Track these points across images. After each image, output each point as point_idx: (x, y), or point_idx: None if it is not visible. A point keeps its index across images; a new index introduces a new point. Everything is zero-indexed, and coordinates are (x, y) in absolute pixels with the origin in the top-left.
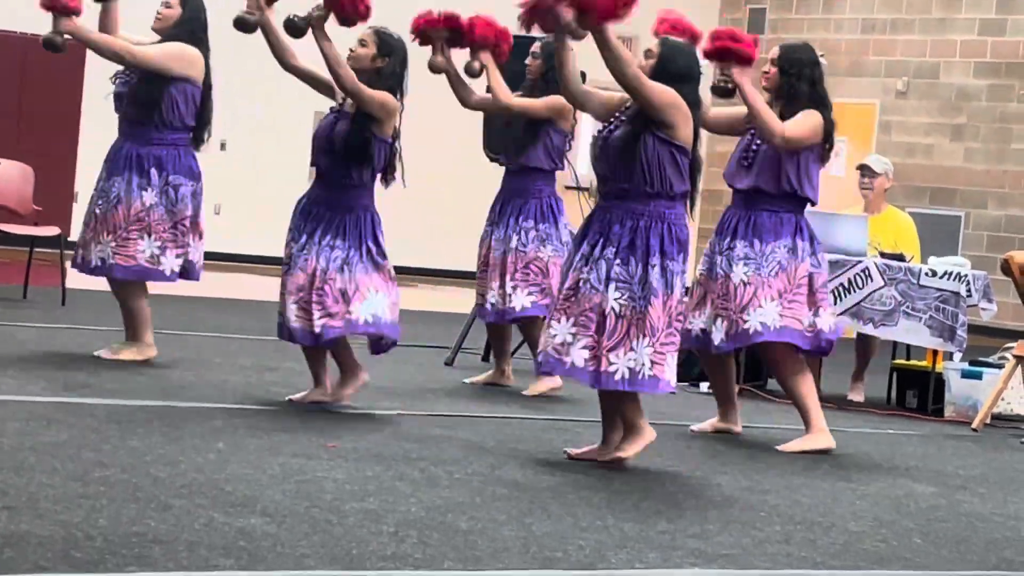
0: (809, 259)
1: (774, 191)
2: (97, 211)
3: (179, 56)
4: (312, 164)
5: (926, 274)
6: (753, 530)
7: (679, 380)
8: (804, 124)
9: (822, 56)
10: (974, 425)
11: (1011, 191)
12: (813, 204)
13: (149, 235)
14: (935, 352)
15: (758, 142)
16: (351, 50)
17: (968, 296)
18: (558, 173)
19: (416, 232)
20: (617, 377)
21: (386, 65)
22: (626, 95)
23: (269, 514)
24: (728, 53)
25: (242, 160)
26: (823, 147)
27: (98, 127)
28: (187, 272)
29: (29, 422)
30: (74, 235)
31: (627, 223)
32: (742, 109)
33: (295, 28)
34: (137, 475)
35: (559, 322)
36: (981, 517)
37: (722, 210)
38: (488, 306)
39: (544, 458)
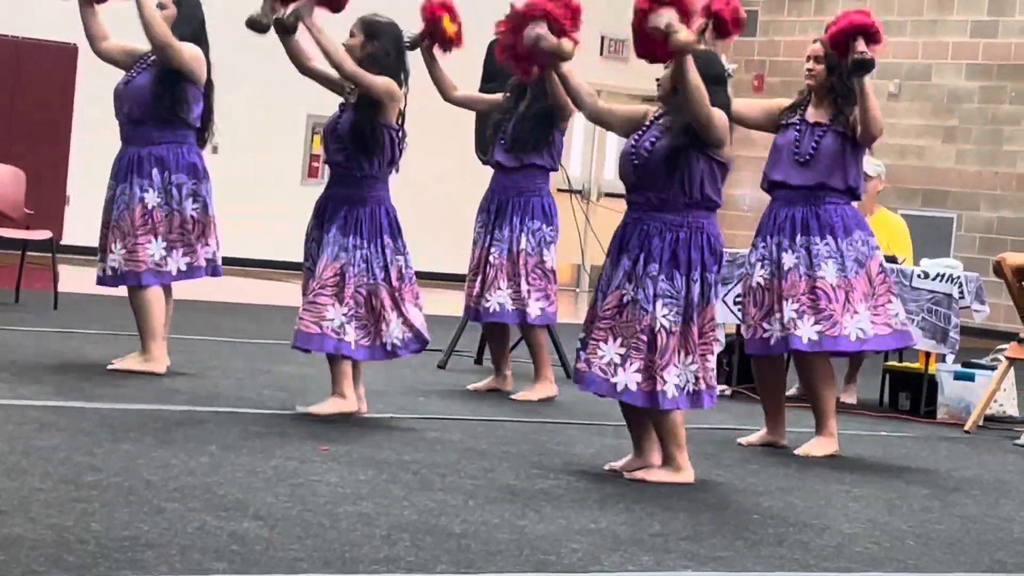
0: (876, 252)
1: (840, 186)
2: (111, 219)
3: (199, 61)
4: (325, 161)
5: (918, 276)
6: (746, 532)
7: None
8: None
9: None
10: (967, 427)
11: (1003, 193)
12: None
13: (156, 236)
14: (928, 354)
15: (817, 137)
16: (343, 44)
17: (960, 298)
18: (555, 176)
19: (408, 234)
20: (670, 396)
21: (376, 49)
22: (644, 109)
23: (262, 517)
24: (858, 29)
25: (235, 163)
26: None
27: (90, 131)
28: (205, 270)
29: (21, 426)
30: (66, 239)
31: (667, 236)
32: (775, 102)
33: (258, 25)
34: (130, 479)
35: (606, 342)
36: (974, 519)
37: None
38: (495, 307)
39: (537, 461)
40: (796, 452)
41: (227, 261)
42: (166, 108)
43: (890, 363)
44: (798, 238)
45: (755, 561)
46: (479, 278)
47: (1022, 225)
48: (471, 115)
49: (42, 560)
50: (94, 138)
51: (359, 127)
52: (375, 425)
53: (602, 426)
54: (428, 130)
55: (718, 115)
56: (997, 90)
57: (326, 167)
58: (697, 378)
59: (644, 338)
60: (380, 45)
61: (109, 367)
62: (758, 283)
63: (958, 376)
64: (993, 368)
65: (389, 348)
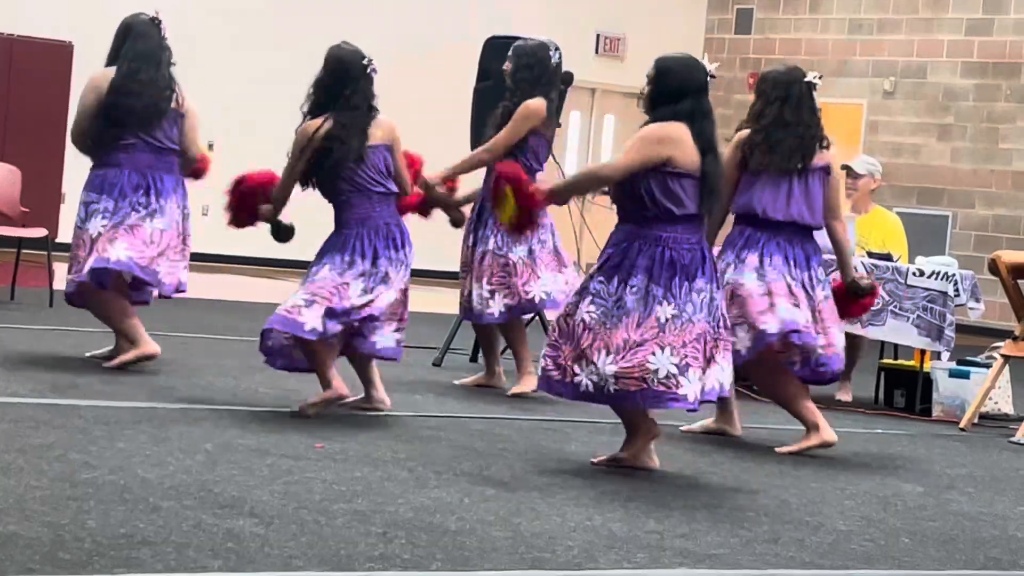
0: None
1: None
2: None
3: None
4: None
5: (914, 274)
6: (741, 530)
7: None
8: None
9: (818, 77)
10: (962, 425)
11: (998, 191)
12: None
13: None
14: (923, 352)
15: None
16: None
17: (956, 296)
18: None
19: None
20: (582, 389)
21: (330, 83)
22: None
23: (257, 515)
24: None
25: (230, 161)
26: (747, 161)
27: None
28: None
29: (17, 424)
30: (61, 236)
31: (623, 244)
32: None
33: (283, 232)
34: (125, 476)
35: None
36: (969, 516)
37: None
38: (472, 308)
39: (532, 458)
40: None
41: (221, 258)
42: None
43: (885, 361)
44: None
45: (750, 558)
46: (467, 278)
47: (1017, 223)
48: (466, 114)
49: (37, 558)
50: None
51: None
52: (370, 423)
53: (598, 424)
54: (424, 129)
55: (627, 161)
56: (992, 88)
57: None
58: (618, 378)
59: (564, 327)
60: (330, 79)
61: (105, 364)
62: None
63: (953, 374)
64: (988, 366)
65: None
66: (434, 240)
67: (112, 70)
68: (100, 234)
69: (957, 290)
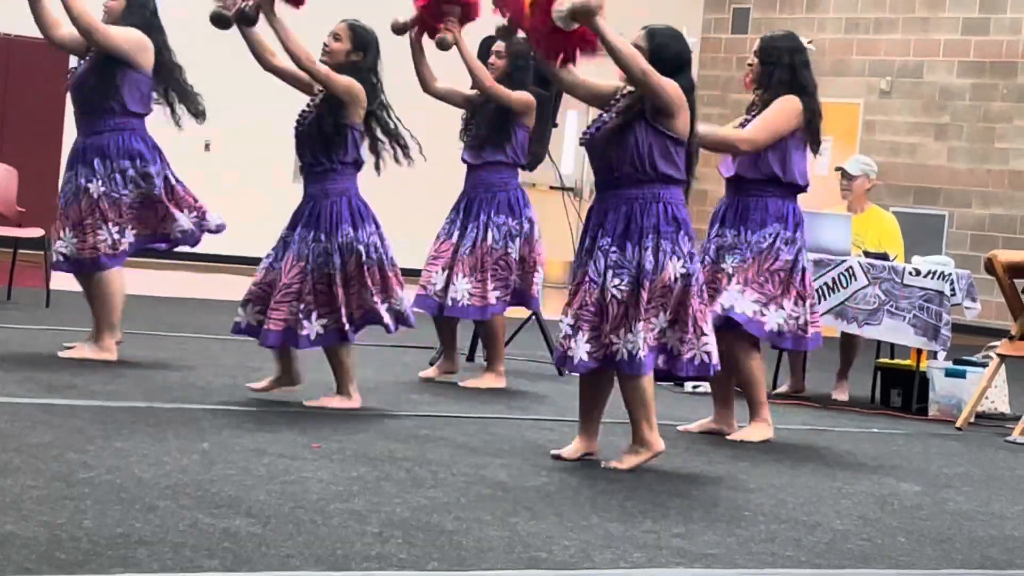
0: (786, 248)
1: (759, 176)
2: (59, 206)
3: (139, 44)
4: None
5: (910, 273)
6: (738, 529)
7: (663, 379)
8: (770, 119)
9: (809, 42)
10: (958, 424)
11: (995, 190)
12: (802, 191)
13: (106, 223)
14: (919, 351)
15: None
16: (325, 45)
17: (952, 295)
18: (546, 174)
19: (395, 231)
20: (618, 358)
21: (362, 60)
22: (615, 85)
23: (254, 515)
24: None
25: (226, 160)
26: (806, 132)
27: None
28: (184, 238)
29: (13, 423)
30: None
31: (622, 208)
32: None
33: (221, 20)
34: (122, 476)
35: (566, 316)
36: (965, 515)
37: (707, 210)
38: (450, 301)
39: (529, 458)
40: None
41: (218, 258)
42: (101, 96)
43: (881, 360)
44: (716, 228)
45: (746, 558)
46: (446, 273)
47: (1013, 222)
48: (455, 111)
49: (34, 558)
50: None
51: (322, 125)
52: (367, 422)
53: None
54: (418, 128)
55: (668, 86)
56: (989, 87)
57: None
58: (644, 342)
59: (592, 309)
60: (366, 58)
61: (61, 354)
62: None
63: (949, 373)
64: (984, 365)
65: (347, 331)
66: (422, 239)
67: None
68: (148, 201)
69: (953, 289)
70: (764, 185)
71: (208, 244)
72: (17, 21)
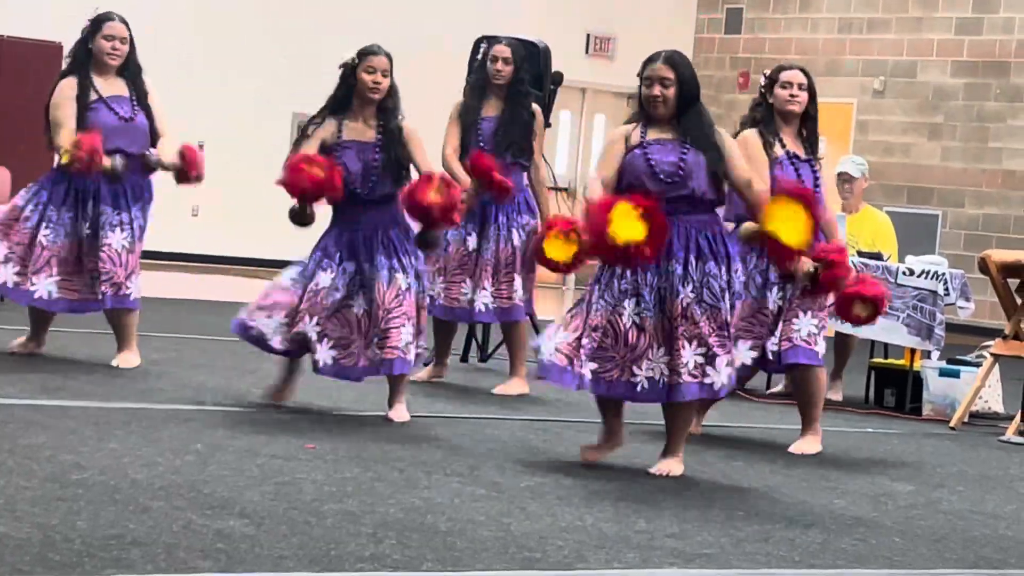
0: None
1: None
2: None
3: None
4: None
5: (903, 273)
6: (732, 529)
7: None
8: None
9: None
10: (952, 423)
11: (988, 190)
12: None
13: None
14: (913, 351)
15: (813, 172)
16: (376, 83)
17: (946, 295)
18: (543, 172)
19: None
20: (717, 386)
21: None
22: (622, 133)
23: (248, 516)
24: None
25: (220, 161)
26: None
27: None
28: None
29: (7, 424)
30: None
31: (706, 234)
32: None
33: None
34: (115, 477)
35: (684, 348)
36: (959, 515)
37: None
38: (480, 307)
39: (523, 458)
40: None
41: (212, 259)
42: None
43: (875, 360)
44: None
45: (741, 558)
46: (468, 279)
47: (1007, 222)
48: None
49: (27, 559)
50: None
51: (396, 164)
52: (360, 423)
53: (588, 423)
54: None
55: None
56: (982, 87)
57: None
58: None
59: (725, 332)
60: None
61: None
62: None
63: (943, 373)
64: (978, 365)
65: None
66: None
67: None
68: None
69: (947, 289)
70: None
71: (203, 245)
72: (9, 21)
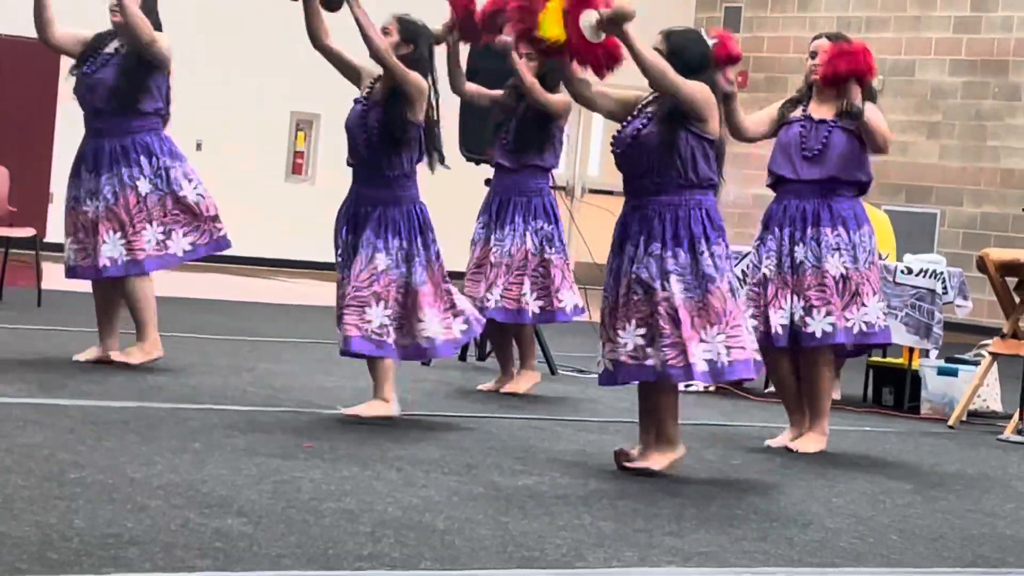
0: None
1: (852, 180)
2: (90, 213)
3: (168, 46)
4: (349, 162)
5: (902, 271)
6: (730, 528)
7: None
8: (880, 120)
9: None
10: (950, 422)
11: (986, 188)
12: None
13: (152, 223)
14: (911, 349)
15: (825, 133)
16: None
17: (944, 293)
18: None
19: None
20: (699, 370)
21: (412, 52)
22: (636, 95)
23: (245, 514)
24: (852, 74)
25: (218, 160)
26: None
27: (73, 127)
28: (209, 247)
29: (4, 423)
30: (50, 236)
31: (666, 216)
32: (773, 106)
33: (333, 1)
34: (113, 476)
35: (624, 329)
36: (957, 514)
37: None
38: (493, 305)
39: (521, 457)
40: (789, 447)
41: (210, 257)
42: (135, 99)
43: (873, 359)
44: (809, 230)
45: (739, 556)
46: (482, 278)
47: (1005, 221)
48: (455, 111)
49: (25, 558)
50: (77, 135)
51: (390, 124)
52: (358, 422)
53: (586, 422)
54: None
55: (692, 86)
56: (980, 86)
57: (347, 167)
58: (728, 348)
59: (665, 314)
60: (417, 49)
61: (116, 358)
62: (764, 275)
63: (941, 372)
64: (976, 363)
65: (426, 347)
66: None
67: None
68: (191, 200)
69: (945, 288)
70: (852, 186)
71: None
72: (8, 20)
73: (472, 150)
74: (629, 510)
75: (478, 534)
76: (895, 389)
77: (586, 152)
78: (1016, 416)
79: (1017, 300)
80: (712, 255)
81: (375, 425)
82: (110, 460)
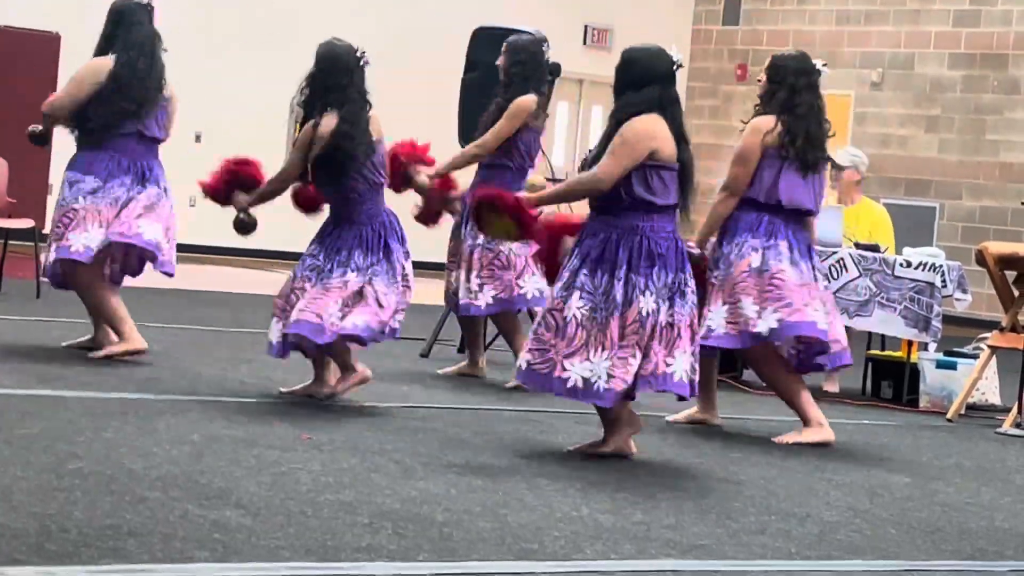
0: (753, 255)
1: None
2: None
3: (80, 78)
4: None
5: (901, 265)
6: (728, 521)
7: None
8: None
9: (823, 64)
10: (949, 415)
11: (985, 182)
12: (770, 207)
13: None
14: (910, 342)
15: None
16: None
17: (943, 287)
18: (540, 166)
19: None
20: (569, 385)
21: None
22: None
23: (244, 506)
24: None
25: (217, 152)
26: (780, 151)
27: None
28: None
29: (3, 415)
30: (48, 228)
31: (599, 235)
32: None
33: (246, 226)
34: (111, 467)
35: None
36: (955, 507)
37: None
38: (459, 300)
39: (519, 450)
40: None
41: (209, 250)
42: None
43: (872, 352)
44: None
45: (737, 549)
46: (458, 272)
47: (1004, 214)
48: (454, 104)
49: (24, 549)
50: None
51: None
52: (357, 414)
53: (584, 415)
54: (412, 120)
55: (627, 154)
56: (980, 79)
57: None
58: (610, 376)
59: (552, 322)
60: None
61: (93, 355)
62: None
63: (940, 365)
64: (975, 357)
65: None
66: (420, 231)
67: (111, 59)
68: (87, 210)
69: (944, 281)
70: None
71: (199, 236)
72: (7, 11)
73: (471, 142)
74: (627, 503)
75: (476, 526)
76: (894, 382)
77: (585, 144)
78: (1015, 409)
79: (1016, 293)
80: (627, 282)
81: (374, 417)
82: (109, 451)
